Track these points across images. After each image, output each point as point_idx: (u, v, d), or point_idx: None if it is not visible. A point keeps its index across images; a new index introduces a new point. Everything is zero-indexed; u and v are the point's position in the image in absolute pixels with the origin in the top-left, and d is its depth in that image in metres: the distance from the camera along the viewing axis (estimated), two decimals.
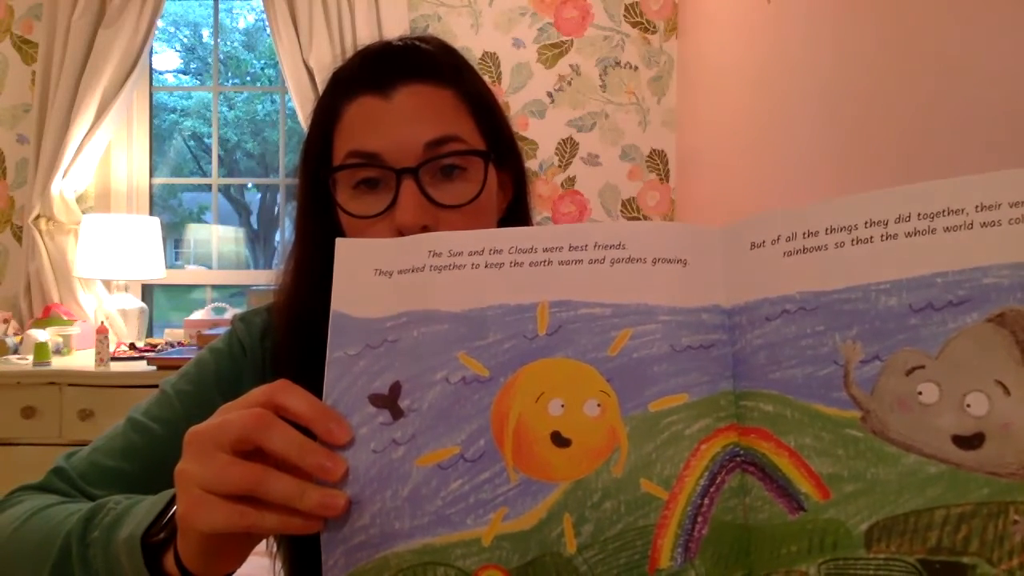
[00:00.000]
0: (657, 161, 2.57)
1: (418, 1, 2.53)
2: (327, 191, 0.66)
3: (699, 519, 0.40)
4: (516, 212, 0.74)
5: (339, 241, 0.44)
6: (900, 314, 0.38)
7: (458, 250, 0.43)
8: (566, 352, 0.42)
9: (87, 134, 2.39)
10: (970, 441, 0.36)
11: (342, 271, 0.44)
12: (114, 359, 2.13)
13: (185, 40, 9.02)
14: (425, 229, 0.61)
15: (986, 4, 1.00)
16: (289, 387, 0.42)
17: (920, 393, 0.37)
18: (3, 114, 2.52)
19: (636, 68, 2.54)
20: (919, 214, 0.38)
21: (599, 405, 0.41)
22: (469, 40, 2.51)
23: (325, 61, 2.39)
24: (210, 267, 4.60)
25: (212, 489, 0.39)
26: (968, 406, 0.37)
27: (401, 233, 0.60)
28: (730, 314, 0.41)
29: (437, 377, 0.42)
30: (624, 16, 2.53)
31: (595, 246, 0.42)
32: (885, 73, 1.26)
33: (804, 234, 0.40)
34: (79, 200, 2.49)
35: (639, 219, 2.57)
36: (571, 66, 2.52)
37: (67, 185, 2.41)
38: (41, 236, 2.40)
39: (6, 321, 2.32)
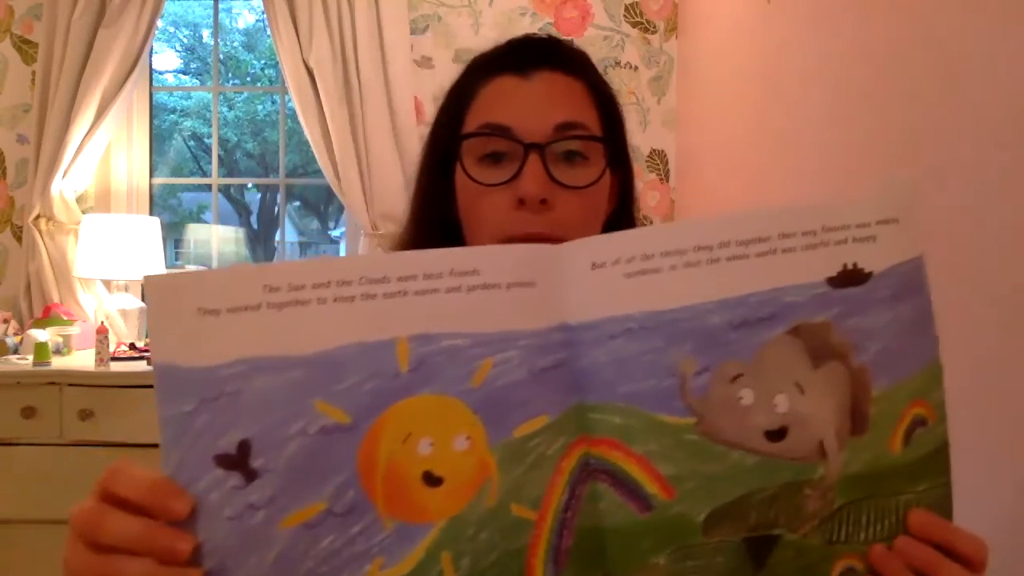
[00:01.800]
0: (657, 161, 2.57)
1: (418, 1, 2.53)
2: (448, 170, 0.69)
3: (565, 532, 0.42)
4: (619, 223, 0.75)
5: (147, 278, 0.38)
6: (723, 330, 0.43)
7: (299, 283, 0.39)
8: (431, 388, 0.40)
9: (87, 134, 2.39)
10: (777, 434, 0.44)
11: (158, 313, 0.38)
12: (114, 359, 2.13)
13: (185, 40, 9.02)
14: (544, 203, 0.63)
15: None
16: (117, 473, 0.39)
17: (740, 397, 0.44)
18: (3, 114, 2.52)
19: (636, 68, 2.54)
20: (737, 241, 0.43)
21: (468, 439, 0.41)
22: (469, 40, 2.51)
23: (325, 61, 2.39)
24: (210, 267, 4.60)
25: None
26: (775, 405, 0.44)
27: (522, 203, 0.63)
28: (575, 330, 0.43)
29: (292, 430, 0.38)
30: (624, 16, 2.54)
31: (450, 273, 0.41)
32: (886, 71, 1.26)
33: (642, 257, 0.43)
34: (79, 200, 2.48)
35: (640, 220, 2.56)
36: None
37: (67, 185, 2.41)
38: (41, 236, 2.40)
39: (6, 321, 2.32)
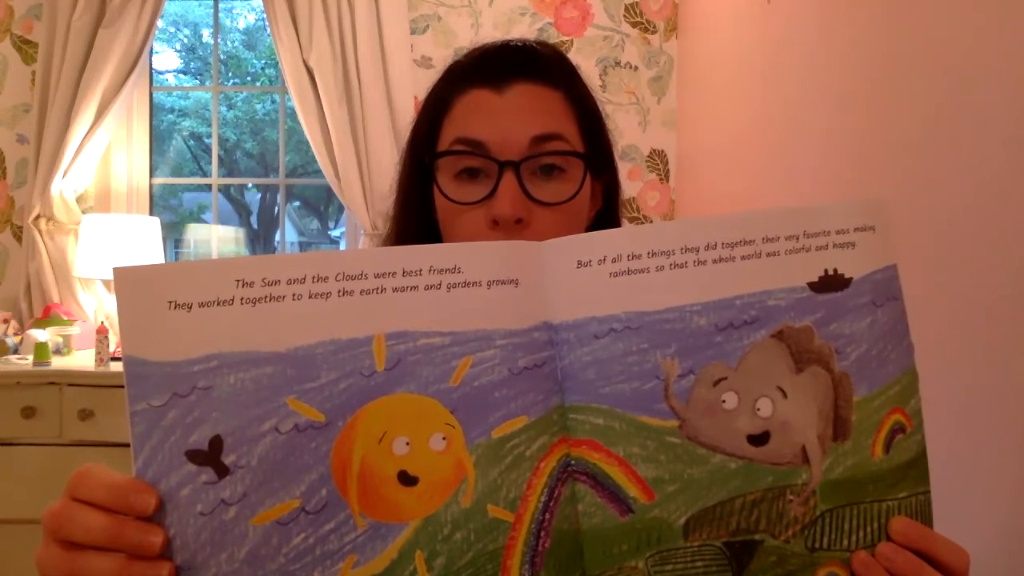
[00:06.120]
0: (657, 161, 2.57)
1: (418, 1, 2.53)
2: (427, 179, 0.68)
3: (542, 534, 0.42)
4: (604, 224, 0.74)
5: (115, 270, 0.37)
6: (708, 332, 0.43)
7: (274, 278, 0.38)
8: (407, 387, 0.40)
9: (87, 134, 2.39)
10: (760, 438, 0.44)
11: (127, 305, 0.37)
12: (114, 359, 2.13)
13: (185, 40, 9.02)
14: (520, 222, 0.62)
15: None
16: (84, 476, 0.39)
17: (724, 401, 0.44)
18: (3, 114, 2.52)
19: (636, 68, 2.54)
20: (722, 243, 0.43)
21: (444, 438, 0.41)
22: (469, 40, 2.50)
23: (325, 61, 2.39)
24: None
25: (46, 574, 0.39)
26: (758, 409, 0.44)
27: (496, 223, 0.62)
28: (557, 329, 0.43)
29: (265, 427, 0.38)
30: (624, 16, 2.53)
31: (430, 270, 0.40)
32: (886, 71, 1.26)
33: (628, 256, 0.43)
34: (79, 200, 2.49)
35: (640, 220, 2.57)
36: None
37: (67, 185, 2.41)
38: (41, 236, 2.40)
39: (6, 321, 2.32)
